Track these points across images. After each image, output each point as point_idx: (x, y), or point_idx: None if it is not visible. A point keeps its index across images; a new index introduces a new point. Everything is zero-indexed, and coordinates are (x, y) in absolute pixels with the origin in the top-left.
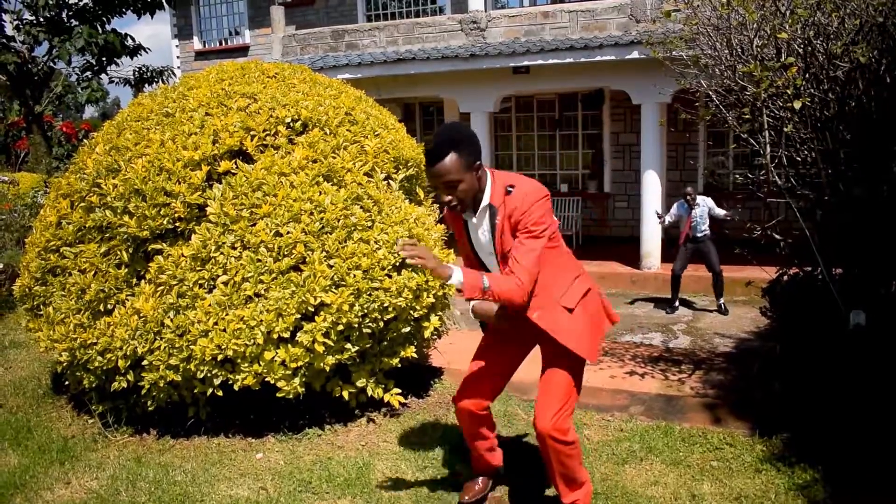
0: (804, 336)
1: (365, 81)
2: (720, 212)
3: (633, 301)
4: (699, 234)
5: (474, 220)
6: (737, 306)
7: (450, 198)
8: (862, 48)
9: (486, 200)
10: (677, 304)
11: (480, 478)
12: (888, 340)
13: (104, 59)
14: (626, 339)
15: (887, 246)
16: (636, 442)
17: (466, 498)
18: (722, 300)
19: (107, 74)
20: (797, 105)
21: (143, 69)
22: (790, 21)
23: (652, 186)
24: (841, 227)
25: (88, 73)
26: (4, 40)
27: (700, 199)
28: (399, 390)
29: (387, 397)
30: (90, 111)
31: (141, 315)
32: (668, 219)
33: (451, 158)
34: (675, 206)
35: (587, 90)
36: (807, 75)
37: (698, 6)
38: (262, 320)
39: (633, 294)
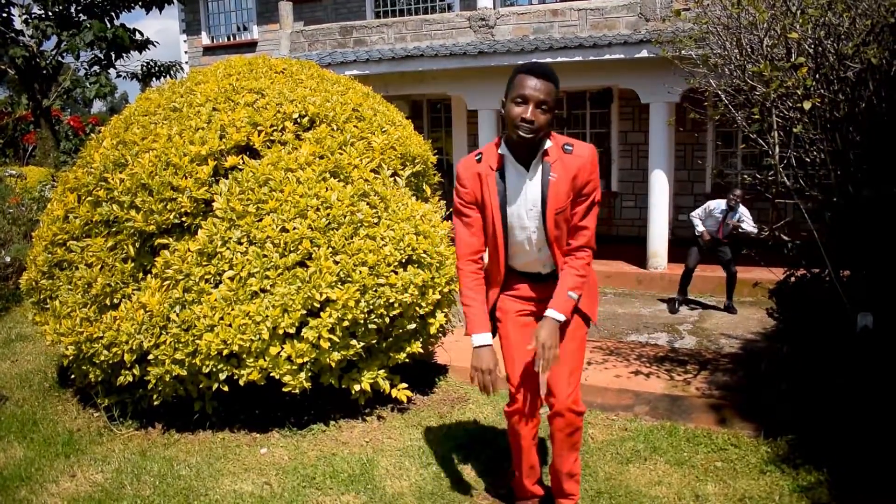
0: (811, 338)
1: (373, 78)
2: (751, 228)
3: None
4: (724, 237)
5: (524, 171)
6: (744, 307)
7: (532, 117)
8: (873, 49)
9: (541, 151)
10: (679, 302)
11: (531, 500)
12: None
13: (112, 53)
14: (632, 339)
15: (894, 248)
16: (640, 441)
17: None
18: (731, 301)
19: (115, 69)
20: (807, 106)
21: (151, 64)
22: (801, 21)
23: (660, 186)
24: (849, 228)
25: (96, 68)
26: (13, 34)
27: (742, 208)
28: (406, 385)
29: (394, 392)
30: (98, 105)
31: (147, 309)
32: (698, 224)
33: (552, 87)
34: (715, 202)
35: (596, 88)
36: (817, 76)
37: (708, 5)
38: (267, 316)
39: (638, 294)
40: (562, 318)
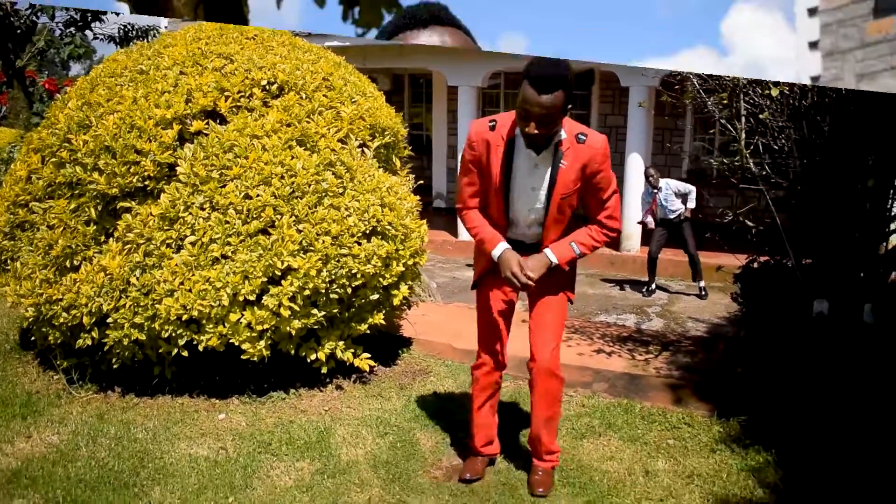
0: (769, 322)
1: (352, 49)
2: (691, 204)
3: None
4: (671, 217)
5: (534, 155)
6: (713, 292)
7: (532, 132)
8: None
9: (555, 139)
10: (654, 286)
11: (480, 458)
12: (848, 329)
13: (88, 14)
14: (601, 319)
15: (853, 238)
16: (596, 418)
17: (468, 475)
18: (702, 283)
19: (91, 31)
20: (774, 93)
21: (129, 27)
22: None
23: (636, 170)
24: (811, 217)
25: (72, 29)
26: None
27: (663, 182)
28: (368, 355)
29: (356, 362)
30: (77, 69)
31: (107, 273)
32: (647, 218)
33: (557, 96)
34: (642, 193)
35: (577, 70)
36: None
37: None
38: (228, 282)
39: (611, 275)
40: (555, 259)
